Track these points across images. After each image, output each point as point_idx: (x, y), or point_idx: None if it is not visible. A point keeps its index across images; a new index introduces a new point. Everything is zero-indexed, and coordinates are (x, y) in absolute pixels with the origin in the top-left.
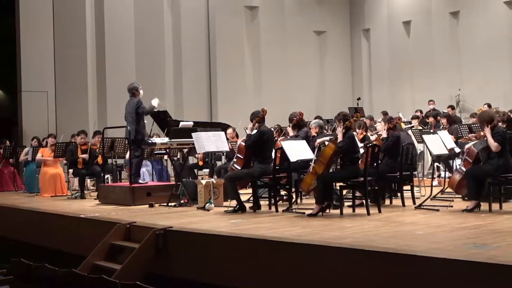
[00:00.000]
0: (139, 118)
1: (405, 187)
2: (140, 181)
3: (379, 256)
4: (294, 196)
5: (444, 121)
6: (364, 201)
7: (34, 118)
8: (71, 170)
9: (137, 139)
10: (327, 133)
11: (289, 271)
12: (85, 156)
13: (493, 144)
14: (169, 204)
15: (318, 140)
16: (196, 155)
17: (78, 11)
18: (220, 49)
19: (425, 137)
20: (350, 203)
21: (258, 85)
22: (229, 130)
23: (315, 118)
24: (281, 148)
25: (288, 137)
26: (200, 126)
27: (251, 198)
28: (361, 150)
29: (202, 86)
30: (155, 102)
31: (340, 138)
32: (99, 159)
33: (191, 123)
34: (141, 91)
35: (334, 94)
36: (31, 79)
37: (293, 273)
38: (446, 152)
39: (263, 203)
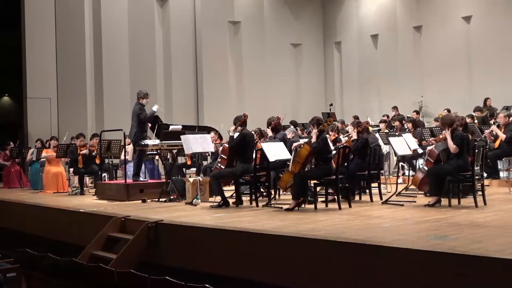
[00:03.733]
0: (143, 123)
1: (373, 184)
2: (141, 179)
3: (350, 246)
4: (273, 192)
5: (409, 125)
6: (336, 197)
7: (38, 122)
8: (71, 169)
9: (138, 141)
10: (303, 136)
11: (268, 260)
12: (85, 151)
13: (452, 146)
14: (160, 199)
15: (295, 144)
16: (185, 156)
17: (78, 26)
18: (206, 60)
19: (391, 139)
20: (323, 199)
21: (240, 92)
22: (213, 133)
23: (290, 123)
24: (261, 149)
25: (267, 139)
26: (188, 129)
27: (234, 194)
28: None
29: (190, 93)
30: (155, 108)
31: (314, 139)
32: (97, 159)
33: (180, 126)
34: (147, 99)
35: (309, 100)
36: (35, 87)
37: (272, 262)
38: (410, 152)
39: (245, 198)
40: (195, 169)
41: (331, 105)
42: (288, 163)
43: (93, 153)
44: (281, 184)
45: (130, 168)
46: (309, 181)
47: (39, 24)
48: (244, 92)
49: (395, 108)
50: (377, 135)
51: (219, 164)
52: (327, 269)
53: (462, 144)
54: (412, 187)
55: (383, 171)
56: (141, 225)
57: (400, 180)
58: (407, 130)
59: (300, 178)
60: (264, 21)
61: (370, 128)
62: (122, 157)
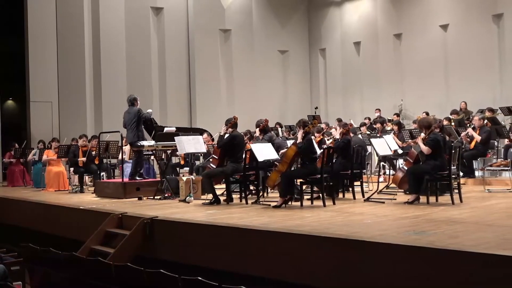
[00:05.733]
0: (139, 124)
1: (355, 183)
2: (138, 178)
3: (334, 241)
4: (261, 190)
5: (395, 128)
6: (320, 194)
7: (40, 124)
8: (72, 169)
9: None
10: (290, 137)
11: (257, 254)
12: (84, 159)
13: (424, 148)
14: (155, 197)
15: (282, 152)
16: (178, 156)
17: (78, 33)
18: (199, 66)
19: (372, 140)
20: (309, 197)
21: (231, 96)
22: (204, 135)
23: (276, 124)
24: (251, 150)
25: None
26: (182, 131)
27: (225, 192)
28: (318, 151)
29: (183, 96)
30: (149, 112)
31: (299, 140)
32: (96, 159)
33: (174, 128)
34: (139, 102)
35: (295, 103)
36: (38, 91)
37: (261, 256)
38: (390, 153)
39: (235, 196)
40: (188, 168)
41: (316, 108)
42: (275, 162)
43: (93, 154)
44: (269, 182)
45: (127, 167)
46: (295, 180)
47: (41, 32)
48: (234, 95)
49: (378, 110)
50: (359, 136)
51: (210, 164)
52: (312, 262)
53: (435, 145)
54: (393, 185)
55: (365, 171)
56: (137, 221)
57: (381, 179)
58: (393, 132)
59: (287, 177)
60: (253, 29)
61: (365, 130)
62: (120, 157)
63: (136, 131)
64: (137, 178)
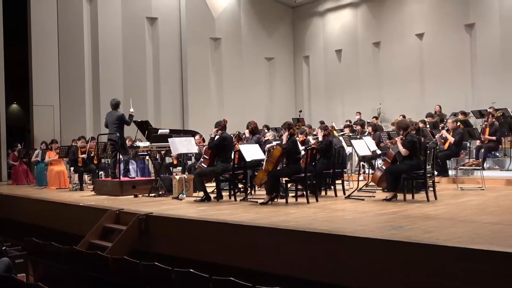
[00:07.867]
0: (122, 126)
1: (337, 181)
2: (129, 176)
3: (317, 236)
4: (249, 188)
5: (369, 129)
6: (304, 192)
7: (42, 127)
8: (72, 168)
9: (122, 142)
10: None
11: (245, 248)
12: (84, 156)
13: (402, 150)
14: (150, 194)
15: (268, 146)
16: (171, 156)
17: (78, 41)
18: (190, 72)
19: (353, 141)
20: (293, 194)
21: (221, 100)
22: (197, 137)
23: (263, 127)
24: (239, 151)
25: (245, 141)
26: (175, 133)
27: (215, 190)
28: (302, 152)
29: (176, 101)
30: (131, 110)
31: (284, 141)
32: (95, 159)
33: (167, 130)
34: (121, 107)
35: (281, 107)
36: (40, 96)
37: (249, 249)
38: (370, 153)
39: (225, 194)
40: (180, 167)
41: (300, 111)
42: (262, 162)
43: (91, 154)
44: (256, 181)
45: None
46: (281, 178)
47: (43, 40)
48: (224, 99)
49: (358, 113)
50: (341, 138)
51: (201, 164)
52: (297, 255)
53: (412, 147)
54: (372, 184)
55: (346, 170)
56: (133, 217)
57: (361, 178)
58: (367, 133)
59: (273, 175)
60: (241, 38)
61: (335, 132)
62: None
63: (121, 132)
64: (129, 176)
